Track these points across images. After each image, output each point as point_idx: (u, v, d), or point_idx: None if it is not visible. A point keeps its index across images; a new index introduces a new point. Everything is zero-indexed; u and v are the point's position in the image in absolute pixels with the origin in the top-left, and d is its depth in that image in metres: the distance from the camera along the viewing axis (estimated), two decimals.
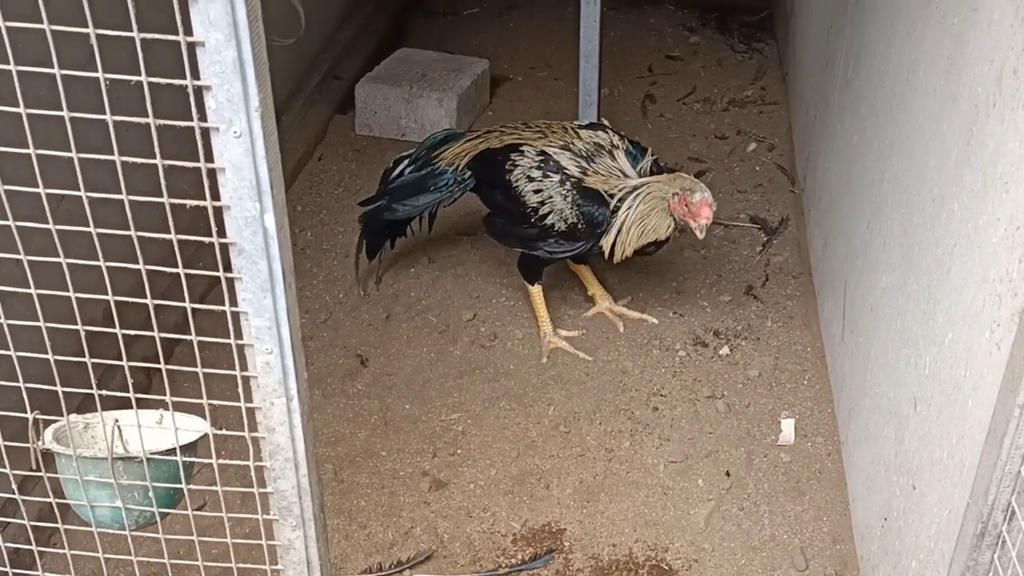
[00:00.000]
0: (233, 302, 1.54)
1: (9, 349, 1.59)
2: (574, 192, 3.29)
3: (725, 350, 3.60)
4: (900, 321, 2.54)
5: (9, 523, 1.99)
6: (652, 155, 3.42)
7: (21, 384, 1.60)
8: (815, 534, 2.95)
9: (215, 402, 1.60)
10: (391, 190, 3.66)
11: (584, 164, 3.32)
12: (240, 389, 1.61)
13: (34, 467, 1.65)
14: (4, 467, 1.68)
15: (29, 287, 1.55)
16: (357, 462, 3.14)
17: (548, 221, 3.33)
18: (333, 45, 5.11)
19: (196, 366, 1.60)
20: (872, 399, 2.79)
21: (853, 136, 3.32)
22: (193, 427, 1.76)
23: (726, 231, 4.20)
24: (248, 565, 1.80)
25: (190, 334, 1.59)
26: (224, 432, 1.65)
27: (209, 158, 1.42)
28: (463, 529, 2.94)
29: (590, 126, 3.47)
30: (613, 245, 3.32)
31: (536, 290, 3.57)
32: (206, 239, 1.47)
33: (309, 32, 4.68)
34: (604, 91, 4.55)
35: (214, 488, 1.70)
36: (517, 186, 3.36)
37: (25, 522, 1.75)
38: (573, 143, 3.36)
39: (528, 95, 5.17)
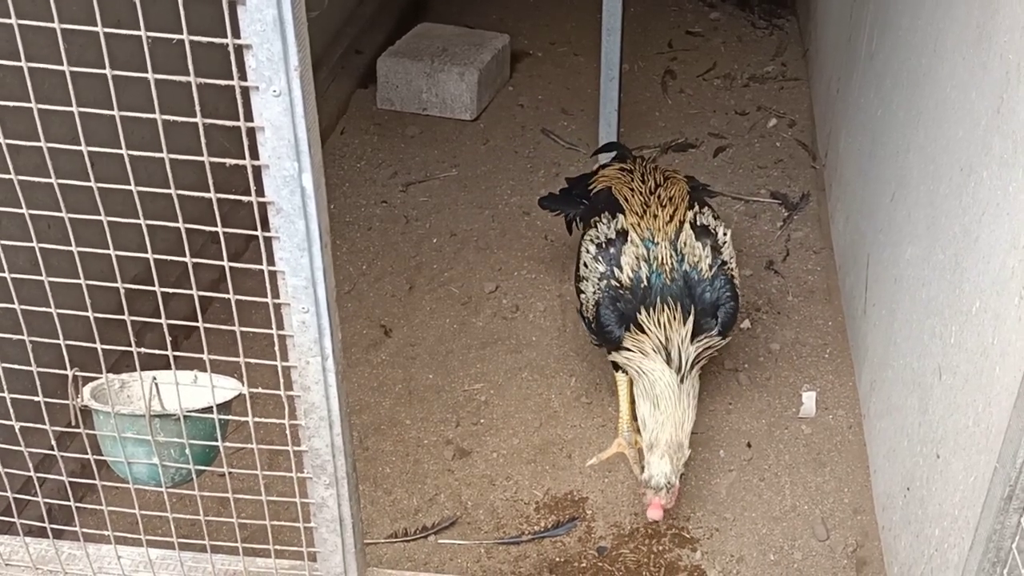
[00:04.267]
0: (270, 261, 1.56)
1: (50, 307, 1.61)
2: (605, 293, 2.89)
3: (746, 324, 3.60)
4: (925, 292, 2.55)
5: (46, 479, 2.02)
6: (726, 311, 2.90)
7: (61, 341, 1.63)
8: (836, 505, 2.96)
9: (251, 360, 1.62)
10: (569, 180, 3.61)
11: (644, 277, 2.86)
12: (276, 348, 1.63)
13: (72, 423, 1.68)
14: (44, 423, 1.71)
15: (70, 246, 1.58)
16: (382, 430, 3.17)
17: (580, 298, 3.05)
18: (355, 19, 5.11)
19: (225, 326, 1.62)
20: (895, 370, 2.80)
21: (877, 109, 3.32)
22: (227, 386, 1.79)
23: (747, 206, 4.20)
24: (281, 523, 1.82)
25: (224, 294, 1.61)
26: (259, 390, 1.67)
27: (248, 117, 1.44)
28: (486, 497, 2.97)
29: (703, 231, 2.98)
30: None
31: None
32: (244, 198, 1.49)
33: (331, 6, 4.69)
34: (624, 67, 4.54)
35: (249, 446, 1.73)
36: (584, 241, 3.08)
37: (63, 478, 1.78)
38: (660, 242, 2.91)
39: (548, 70, 5.16)
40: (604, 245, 2.97)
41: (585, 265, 3.02)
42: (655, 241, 2.91)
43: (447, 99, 4.69)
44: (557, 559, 2.80)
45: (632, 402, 3.10)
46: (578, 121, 4.74)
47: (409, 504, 2.94)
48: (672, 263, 2.88)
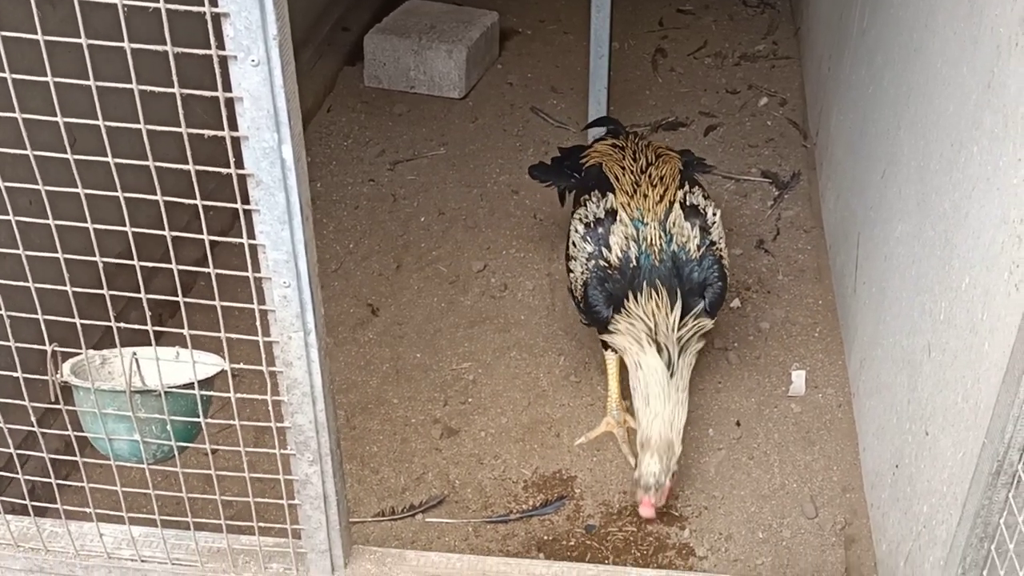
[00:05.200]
0: (251, 235, 1.54)
1: (28, 281, 1.59)
2: (593, 273, 2.88)
3: (736, 302, 3.59)
4: (915, 269, 2.53)
5: (29, 457, 2.00)
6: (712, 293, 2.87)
7: (39, 316, 1.60)
8: (825, 483, 2.96)
9: (232, 335, 1.60)
10: (561, 150, 3.61)
11: (633, 257, 2.84)
12: (258, 323, 1.61)
13: (52, 400, 1.66)
14: (23, 399, 1.69)
15: (47, 219, 1.55)
16: (369, 409, 3.15)
17: (569, 276, 3.03)
18: None
19: (207, 301, 1.59)
20: (884, 348, 2.79)
21: (868, 86, 3.30)
22: (209, 362, 1.77)
23: (738, 185, 4.19)
24: (265, 500, 1.81)
25: (208, 268, 1.58)
26: (241, 366, 1.65)
27: (227, 87, 1.41)
28: (474, 476, 2.96)
29: (693, 210, 2.95)
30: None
31: None
32: (224, 170, 1.46)
33: None
34: (614, 45, 4.51)
35: (232, 423, 1.71)
36: (573, 219, 3.06)
37: (44, 455, 1.76)
38: (649, 223, 2.88)
39: (538, 49, 5.13)
40: (592, 225, 2.95)
41: (574, 244, 3.01)
42: (644, 221, 2.90)
43: (435, 77, 4.66)
44: (545, 537, 2.79)
45: (621, 381, 3.10)
46: (568, 99, 4.71)
47: (396, 483, 2.93)
48: (661, 244, 2.87)
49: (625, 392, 3.19)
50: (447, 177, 4.19)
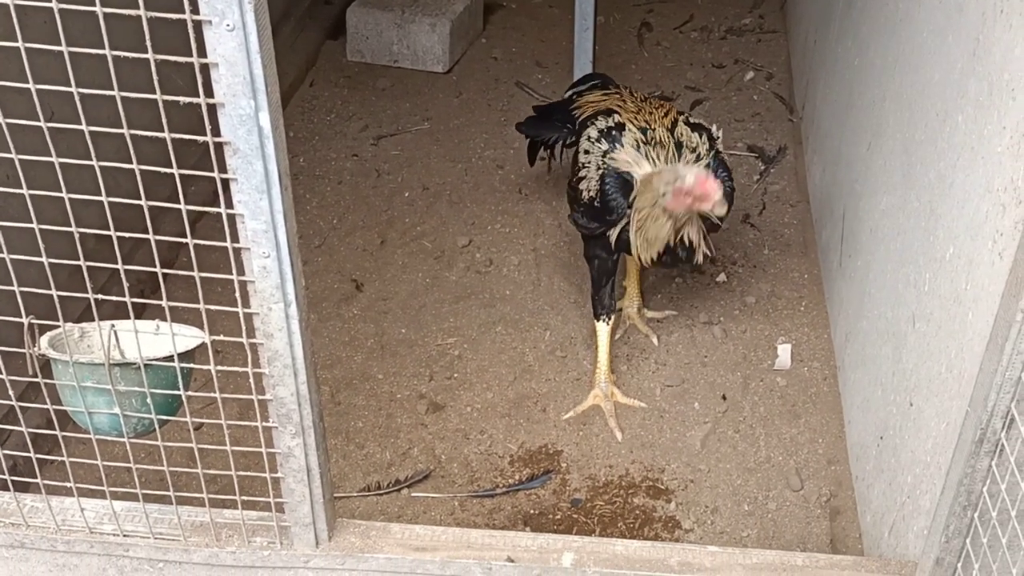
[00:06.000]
0: (229, 205, 1.52)
1: (3, 252, 1.56)
2: (609, 166, 2.96)
3: (722, 277, 3.59)
4: (900, 241, 2.53)
5: (11, 432, 1.98)
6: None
7: (15, 288, 1.58)
8: (810, 456, 2.96)
9: (211, 307, 1.59)
10: (538, 108, 3.66)
11: (644, 155, 2.92)
12: (238, 294, 1.59)
13: (31, 373, 1.64)
14: (1, 374, 1.66)
15: (22, 190, 1.53)
16: (354, 384, 3.14)
17: (581, 186, 3.07)
18: None
19: (186, 271, 1.57)
20: (870, 321, 2.79)
21: (854, 58, 3.28)
22: (190, 335, 1.75)
23: None
24: (248, 473, 1.80)
25: (189, 240, 1.56)
26: (221, 338, 1.63)
27: (202, 54, 1.39)
28: (460, 450, 2.95)
29: (697, 126, 3.05)
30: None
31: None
32: (200, 138, 1.44)
33: None
34: (600, 19, 4.48)
35: (212, 395, 1.69)
36: (581, 141, 3.13)
37: (23, 429, 1.74)
38: (656, 129, 2.99)
39: (523, 22, 5.09)
40: (605, 131, 3.05)
41: (587, 152, 3.07)
42: (652, 127, 3.01)
43: (419, 51, 4.62)
44: (531, 511, 2.79)
45: (610, 352, 3.10)
46: (552, 74, 4.68)
47: (382, 458, 2.92)
48: (670, 143, 2.96)
49: (614, 365, 3.19)
50: (431, 152, 4.16)
